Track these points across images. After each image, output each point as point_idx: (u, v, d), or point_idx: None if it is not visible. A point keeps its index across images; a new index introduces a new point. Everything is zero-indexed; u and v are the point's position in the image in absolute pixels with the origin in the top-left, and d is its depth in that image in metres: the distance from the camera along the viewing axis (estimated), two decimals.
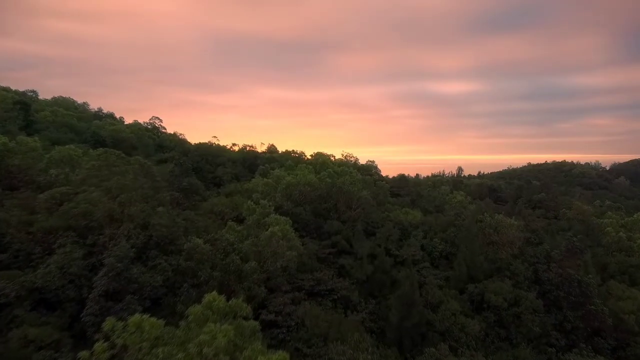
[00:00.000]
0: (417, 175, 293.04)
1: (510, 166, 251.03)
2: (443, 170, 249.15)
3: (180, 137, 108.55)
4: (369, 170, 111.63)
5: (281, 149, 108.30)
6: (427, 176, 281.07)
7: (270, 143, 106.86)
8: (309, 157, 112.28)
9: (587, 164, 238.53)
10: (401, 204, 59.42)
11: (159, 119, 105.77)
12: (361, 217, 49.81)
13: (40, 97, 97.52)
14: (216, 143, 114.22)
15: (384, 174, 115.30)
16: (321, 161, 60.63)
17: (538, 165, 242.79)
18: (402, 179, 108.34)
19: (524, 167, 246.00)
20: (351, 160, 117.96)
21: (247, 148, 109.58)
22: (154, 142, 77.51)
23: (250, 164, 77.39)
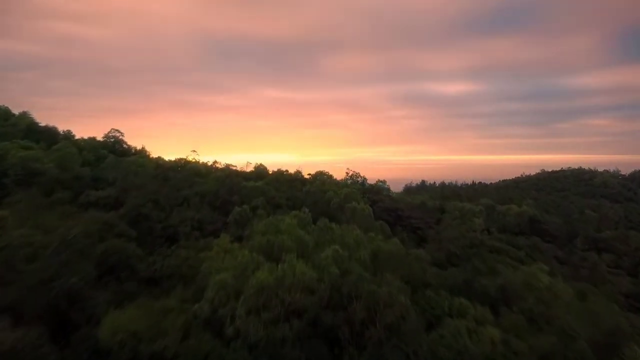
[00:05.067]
0: (423, 181, 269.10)
1: (524, 173, 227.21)
2: (456, 181, 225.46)
3: (146, 155, 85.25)
4: (380, 192, 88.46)
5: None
6: (434, 183, 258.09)
7: (259, 163, 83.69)
8: (307, 176, 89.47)
9: (605, 171, 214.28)
10: (449, 286, 35.83)
11: (119, 131, 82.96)
12: (394, 341, 26.44)
13: None
14: (194, 160, 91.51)
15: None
16: (319, 222, 36.66)
17: (554, 172, 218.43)
18: (422, 205, 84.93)
19: (539, 174, 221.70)
20: (358, 180, 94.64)
21: (230, 167, 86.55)
22: (91, 173, 53.77)
23: (223, 201, 53.84)
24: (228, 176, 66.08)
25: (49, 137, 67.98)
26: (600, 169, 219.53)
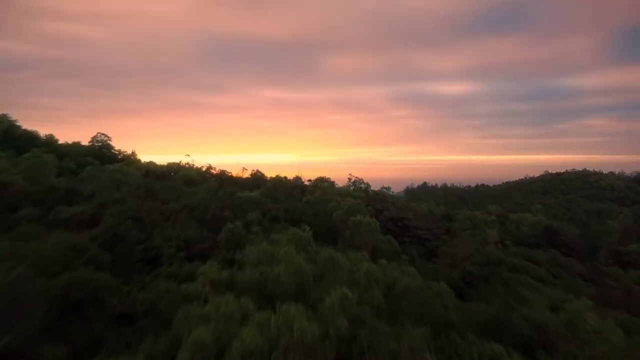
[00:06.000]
0: (425, 183, 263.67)
1: (527, 175, 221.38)
2: (460, 183, 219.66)
3: (136, 160, 79.38)
4: (385, 200, 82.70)
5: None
6: (436, 184, 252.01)
7: (255, 169, 77.83)
8: (307, 183, 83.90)
9: (611, 172, 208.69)
10: (475, 325, 30.02)
11: (106, 135, 77.03)
12: None
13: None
14: (188, 164, 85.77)
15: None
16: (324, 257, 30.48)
17: (558, 174, 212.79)
18: (430, 214, 79.10)
19: (543, 175, 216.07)
20: (361, 186, 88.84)
21: (225, 173, 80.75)
22: (66, 185, 47.89)
23: (214, 216, 48.03)
24: (221, 186, 60.17)
25: (28, 142, 62.12)
26: (605, 171, 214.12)
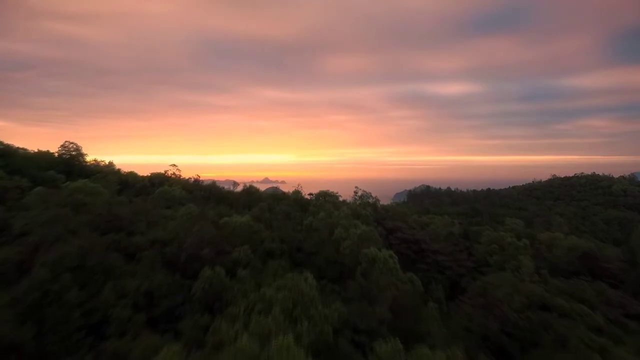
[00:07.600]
0: (428, 187, 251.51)
1: (535, 179, 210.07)
2: (466, 188, 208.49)
3: (112, 172, 68.03)
4: (396, 217, 71.70)
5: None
6: (439, 188, 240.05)
7: (249, 184, 66.49)
8: (309, 196, 73.01)
9: (621, 177, 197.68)
10: None
11: (74, 144, 65.63)
12: None
13: None
14: (173, 174, 74.69)
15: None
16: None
17: (567, 178, 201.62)
18: (450, 236, 68.22)
19: (551, 180, 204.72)
20: (369, 200, 77.74)
21: (215, 186, 69.62)
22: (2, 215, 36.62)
23: (190, 257, 36.86)
24: (204, 210, 48.83)
25: None
26: (607, 172, 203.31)
